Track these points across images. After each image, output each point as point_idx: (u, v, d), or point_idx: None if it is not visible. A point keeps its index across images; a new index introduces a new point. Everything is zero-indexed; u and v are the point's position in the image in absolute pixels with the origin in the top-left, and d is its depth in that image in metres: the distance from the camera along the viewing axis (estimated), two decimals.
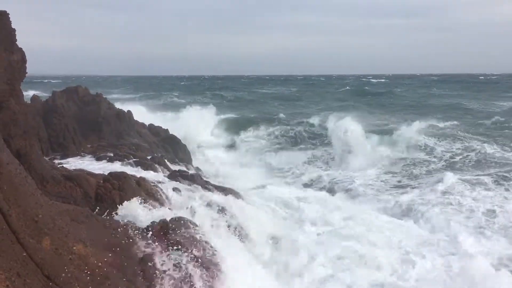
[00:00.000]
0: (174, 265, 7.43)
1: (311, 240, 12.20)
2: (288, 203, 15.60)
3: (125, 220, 8.86)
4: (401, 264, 10.72)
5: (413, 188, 17.72)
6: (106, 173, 11.33)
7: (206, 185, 13.83)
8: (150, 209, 9.80)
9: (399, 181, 18.90)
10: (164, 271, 7.16)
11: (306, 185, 19.58)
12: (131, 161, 15.02)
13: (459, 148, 23.28)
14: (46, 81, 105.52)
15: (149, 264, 7.18)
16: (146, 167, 14.55)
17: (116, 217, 9.25)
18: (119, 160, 14.97)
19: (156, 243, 8.29)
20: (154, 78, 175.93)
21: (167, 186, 12.48)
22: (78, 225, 7.07)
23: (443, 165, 20.77)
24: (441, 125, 30.28)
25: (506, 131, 28.86)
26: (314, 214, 14.25)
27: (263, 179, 20.36)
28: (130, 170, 13.31)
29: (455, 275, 10.08)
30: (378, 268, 10.55)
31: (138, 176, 12.13)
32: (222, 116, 35.99)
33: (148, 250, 7.90)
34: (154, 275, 6.96)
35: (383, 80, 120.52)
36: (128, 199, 9.85)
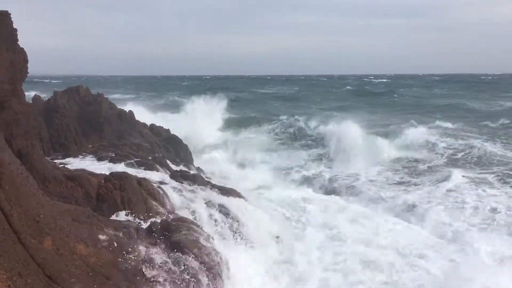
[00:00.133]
0: (175, 265, 7.42)
1: (316, 243, 12.17)
2: (291, 204, 15.58)
3: (127, 221, 8.87)
4: (406, 267, 10.63)
5: (417, 187, 17.54)
6: (107, 173, 11.33)
7: (208, 186, 13.82)
8: None
9: (403, 181, 18.74)
10: (166, 272, 7.15)
11: (309, 186, 19.51)
12: (132, 161, 15.03)
13: (463, 147, 23.17)
14: (46, 81, 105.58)
15: (151, 264, 7.18)
16: (147, 167, 14.55)
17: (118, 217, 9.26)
18: (120, 160, 14.97)
19: (158, 244, 8.30)
20: (154, 78, 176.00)
21: (168, 187, 12.48)
22: (80, 225, 7.07)
23: (447, 164, 20.63)
24: (445, 124, 30.22)
25: (511, 130, 28.89)
26: (318, 216, 14.23)
27: (265, 179, 20.33)
28: (131, 170, 13.31)
29: (459, 277, 10.03)
30: (382, 271, 10.50)
31: (140, 176, 12.13)
32: (224, 116, 36.06)
33: (150, 250, 7.90)
34: (155, 275, 6.96)
35: (384, 80, 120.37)
36: (130, 199, 9.86)
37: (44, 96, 20.60)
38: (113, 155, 15.68)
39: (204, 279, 7.44)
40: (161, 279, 6.88)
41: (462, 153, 22.37)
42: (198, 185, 13.62)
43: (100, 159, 15.15)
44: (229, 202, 12.78)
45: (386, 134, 25.22)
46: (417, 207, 15.11)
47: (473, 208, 14.72)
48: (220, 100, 39.18)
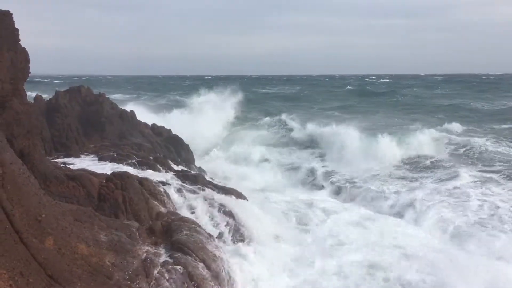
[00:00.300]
0: (176, 265, 7.42)
1: (317, 244, 12.14)
2: (292, 205, 15.55)
3: (128, 220, 8.88)
4: (409, 267, 10.58)
5: (422, 187, 17.37)
6: (109, 173, 11.35)
7: (209, 186, 13.83)
8: None
9: (407, 182, 18.52)
10: (167, 271, 7.14)
11: (311, 187, 19.45)
12: (133, 161, 15.05)
13: (468, 147, 23.16)
14: (47, 80, 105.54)
15: (152, 264, 7.18)
16: (148, 167, 14.57)
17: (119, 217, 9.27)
18: (121, 160, 14.99)
19: (159, 244, 8.30)
20: (155, 78, 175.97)
21: (169, 186, 12.49)
22: (81, 225, 7.08)
23: (453, 164, 20.56)
24: (450, 125, 30.12)
25: None
26: (320, 217, 14.20)
27: (266, 179, 20.32)
28: (133, 170, 13.33)
29: (461, 276, 10.02)
30: (385, 272, 10.47)
31: (141, 176, 12.14)
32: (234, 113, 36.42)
33: (151, 250, 7.90)
34: (157, 275, 6.96)
35: (386, 80, 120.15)
36: (131, 199, 9.87)
37: (46, 96, 20.63)
38: (115, 155, 15.71)
39: (205, 279, 7.43)
40: (162, 279, 6.88)
41: (468, 153, 22.30)
42: (199, 185, 13.63)
43: (101, 159, 15.17)
44: (230, 202, 12.79)
45: (390, 134, 24.97)
46: (422, 207, 15.01)
47: (477, 206, 14.72)
48: (231, 95, 39.15)
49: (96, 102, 18.88)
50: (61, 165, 12.60)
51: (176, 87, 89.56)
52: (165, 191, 11.54)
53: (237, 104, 39.55)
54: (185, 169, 16.69)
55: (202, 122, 30.87)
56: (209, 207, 11.98)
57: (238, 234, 11.49)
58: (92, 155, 15.89)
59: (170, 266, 7.28)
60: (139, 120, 20.50)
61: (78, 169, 12.27)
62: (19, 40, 9.64)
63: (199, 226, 9.64)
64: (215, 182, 15.24)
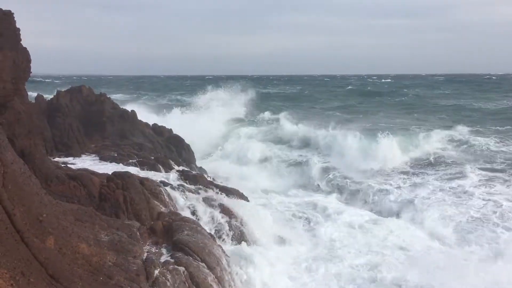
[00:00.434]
0: (177, 265, 7.42)
1: (319, 245, 12.12)
2: (294, 205, 15.53)
3: (129, 220, 8.88)
4: (413, 273, 10.53)
5: (425, 187, 17.28)
6: (110, 173, 11.35)
7: (210, 186, 13.83)
8: None
9: (410, 182, 18.29)
10: (168, 271, 7.14)
11: (314, 188, 19.35)
12: (134, 160, 15.05)
13: (472, 147, 23.10)
14: (48, 80, 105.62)
15: (153, 264, 7.18)
16: (149, 167, 14.57)
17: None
18: (122, 160, 15.00)
19: (160, 243, 8.30)
20: (156, 77, 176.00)
21: (170, 186, 12.49)
22: (82, 225, 7.08)
23: (456, 164, 20.43)
24: (453, 125, 30.00)
25: None
26: (322, 218, 14.17)
27: (267, 180, 20.29)
28: (134, 170, 13.33)
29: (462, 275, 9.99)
30: (388, 276, 10.45)
31: (142, 176, 12.14)
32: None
33: (152, 250, 7.91)
34: (158, 275, 6.95)
35: (388, 80, 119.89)
36: (132, 199, 9.87)
37: (46, 96, 20.63)
38: (116, 154, 15.72)
39: (206, 279, 7.43)
40: (163, 279, 6.87)
41: (473, 153, 22.20)
42: (200, 185, 13.63)
43: (102, 158, 15.18)
44: (231, 202, 12.79)
45: (394, 135, 24.76)
46: (425, 207, 14.90)
47: (481, 205, 14.69)
48: (237, 94, 38.92)
49: (97, 102, 18.89)
50: (62, 165, 12.60)
51: (178, 87, 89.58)
52: (166, 191, 11.54)
53: (244, 104, 39.27)
54: (186, 169, 16.68)
55: (206, 121, 30.75)
56: (210, 207, 11.97)
57: (239, 235, 11.49)
58: (93, 155, 15.89)
59: (171, 266, 7.28)
60: (140, 120, 20.50)
61: (79, 169, 12.27)
62: (21, 40, 9.64)
63: (200, 226, 9.64)
64: (216, 182, 15.24)
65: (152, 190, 10.84)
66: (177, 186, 12.76)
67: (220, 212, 11.87)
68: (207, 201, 12.22)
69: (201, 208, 11.83)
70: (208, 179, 15.49)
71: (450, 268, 10.41)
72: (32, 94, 19.52)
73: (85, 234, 6.78)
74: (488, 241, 12.19)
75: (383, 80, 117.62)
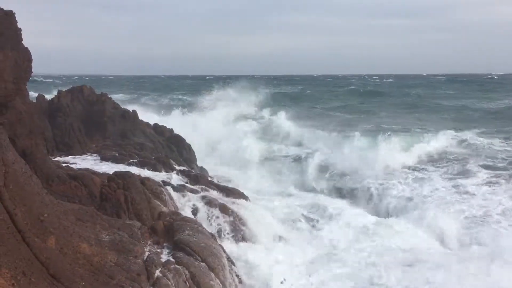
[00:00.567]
0: (178, 265, 7.43)
1: (320, 246, 12.09)
2: (297, 207, 15.48)
3: (130, 220, 8.88)
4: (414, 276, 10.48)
5: (430, 188, 17.05)
6: (111, 173, 11.36)
7: (211, 185, 13.83)
8: None
9: (414, 183, 17.89)
10: (169, 271, 7.15)
11: (317, 189, 19.25)
12: (135, 160, 15.05)
13: (477, 147, 22.99)
14: (49, 80, 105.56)
15: (154, 264, 7.18)
16: (150, 167, 14.56)
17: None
18: (123, 160, 15.00)
19: (161, 243, 8.31)
20: (157, 77, 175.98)
21: (171, 186, 12.49)
22: (83, 224, 7.09)
23: (460, 165, 20.28)
24: (457, 125, 29.86)
25: None
26: (324, 218, 14.13)
27: (268, 180, 20.27)
28: (135, 170, 13.33)
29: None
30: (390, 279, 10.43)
31: (143, 175, 12.15)
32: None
33: (153, 249, 7.91)
34: (159, 275, 6.96)
35: (390, 80, 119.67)
36: (133, 199, 9.87)
37: (47, 96, 20.63)
38: (117, 154, 15.71)
39: (207, 279, 7.43)
40: (164, 279, 6.88)
41: (478, 153, 22.04)
42: (201, 185, 13.63)
43: (103, 158, 15.18)
44: (232, 202, 12.79)
45: (397, 136, 24.50)
46: (429, 208, 14.71)
47: (486, 205, 14.63)
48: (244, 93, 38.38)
49: (98, 101, 18.89)
50: (63, 165, 12.61)
51: (179, 87, 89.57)
52: (167, 191, 11.55)
53: (249, 103, 38.88)
54: (187, 169, 16.69)
55: (209, 121, 30.54)
56: (211, 207, 11.98)
57: (240, 235, 11.50)
58: (94, 155, 15.89)
59: (172, 266, 7.28)
60: (141, 120, 20.50)
61: (80, 169, 12.28)
62: (22, 39, 9.65)
63: (201, 226, 9.64)
64: (217, 182, 15.24)
65: (153, 190, 10.85)
66: (178, 186, 12.76)
67: (220, 212, 11.88)
68: (208, 200, 12.22)
69: (202, 208, 11.84)
70: (209, 179, 15.49)
71: (451, 269, 10.37)
72: (33, 95, 19.53)
73: (86, 234, 6.79)
74: (490, 241, 12.12)
75: (384, 80, 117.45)
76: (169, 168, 15.08)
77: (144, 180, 11.04)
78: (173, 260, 7.53)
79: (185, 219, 9.45)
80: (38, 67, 10.79)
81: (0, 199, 5.49)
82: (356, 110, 43.54)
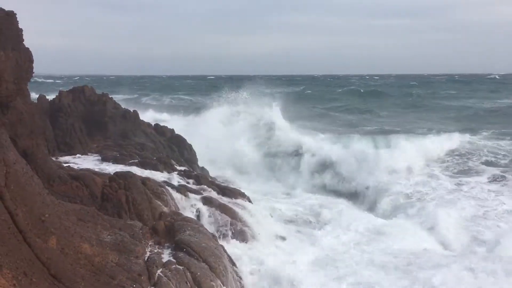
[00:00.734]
0: (179, 265, 7.42)
1: (321, 246, 12.07)
2: (298, 207, 15.47)
3: (131, 220, 8.88)
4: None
5: (435, 189, 16.88)
6: (112, 173, 11.36)
7: (212, 186, 13.82)
8: None
9: (420, 185, 17.52)
10: (170, 271, 7.14)
11: (318, 189, 19.21)
12: (136, 160, 15.05)
13: (481, 147, 22.92)
14: (50, 81, 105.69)
15: (155, 264, 7.18)
16: (151, 167, 14.56)
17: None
18: (124, 160, 14.99)
19: (162, 243, 8.30)
20: (158, 77, 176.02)
21: (172, 186, 12.49)
22: (85, 225, 7.09)
23: (466, 166, 20.19)
24: (460, 125, 29.71)
25: None
26: (325, 219, 14.11)
27: (269, 180, 20.29)
28: (136, 170, 13.33)
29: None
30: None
31: (144, 176, 12.15)
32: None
33: (154, 250, 7.91)
34: (160, 275, 6.96)
35: (391, 80, 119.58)
36: (134, 199, 9.87)
37: (48, 97, 20.65)
38: (118, 154, 15.71)
39: (208, 279, 7.42)
40: (165, 279, 6.87)
41: (484, 154, 21.90)
42: (202, 185, 13.63)
43: (104, 158, 15.18)
44: (233, 202, 12.79)
45: (400, 135, 24.28)
46: (434, 210, 14.62)
47: (494, 206, 14.59)
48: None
49: (99, 102, 18.90)
50: (65, 165, 12.62)
51: (180, 87, 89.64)
52: (168, 191, 11.54)
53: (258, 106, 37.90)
54: (188, 169, 16.68)
55: (211, 123, 30.30)
56: (212, 207, 11.98)
57: (241, 235, 11.49)
58: (95, 155, 15.90)
59: (173, 266, 7.28)
60: (142, 120, 20.51)
61: (81, 169, 12.29)
62: (23, 40, 9.66)
63: (202, 226, 9.64)
64: (218, 182, 15.23)
65: (154, 190, 10.84)
66: (179, 186, 12.76)
67: (221, 212, 11.87)
68: (209, 201, 12.22)
69: (203, 208, 11.84)
70: (210, 179, 15.48)
71: (453, 270, 10.32)
72: (34, 96, 19.53)
73: (87, 234, 6.79)
74: (492, 241, 12.08)
75: (385, 80, 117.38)
76: (170, 169, 15.07)
77: (145, 180, 11.04)
78: (174, 260, 7.52)
79: (186, 219, 9.45)
80: (39, 68, 10.80)
81: (1, 199, 5.50)
82: (357, 110, 43.53)
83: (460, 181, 17.73)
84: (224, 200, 12.77)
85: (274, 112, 32.37)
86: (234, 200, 13.03)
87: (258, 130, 30.95)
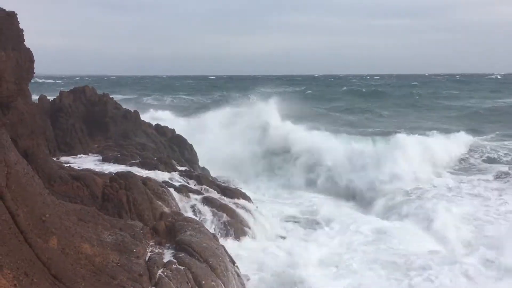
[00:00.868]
0: (180, 265, 7.42)
1: (322, 246, 12.04)
2: (299, 207, 15.44)
3: (132, 220, 8.88)
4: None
5: (438, 190, 16.72)
6: (112, 173, 11.36)
7: (212, 186, 13.82)
8: None
9: (418, 186, 17.60)
10: (171, 272, 7.14)
11: (320, 190, 19.16)
12: (137, 161, 15.06)
13: (484, 147, 22.84)
14: (50, 81, 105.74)
15: (156, 264, 7.17)
16: (152, 167, 14.56)
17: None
18: (125, 160, 15.00)
19: (163, 244, 8.30)
20: (158, 77, 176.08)
21: (173, 186, 12.49)
22: (85, 225, 7.09)
23: (467, 166, 20.10)
24: (463, 125, 29.58)
25: None
26: (327, 219, 14.07)
27: (270, 180, 20.28)
28: (137, 170, 13.34)
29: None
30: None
31: (145, 176, 12.16)
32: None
33: (155, 250, 7.90)
34: (161, 275, 6.95)
35: (392, 80, 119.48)
36: (135, 199, 9.87)
37: (49, 98, 20.66)
38: (119, 155, 15.72)
39: (209, 279, 7.42)
40: (166, 279, 6.87)
41: (489, 155, 21.80)
42: (203, 185, 13.63)
43: (105, 159, 15.19)
44: (233, 202, 12.79)
45: (403, 134, 24.12)
46: (437, 211, 14.35)
47: (494, 209, 14.51)
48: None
49: (100, 102, 18.91)
50: (65, 165, 12.63)
51: (182, 87, 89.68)
52: (168, 191, 11.54)
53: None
54: (189, 169, 16.69)
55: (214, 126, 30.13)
56: (213, 207, 11.98)
57: (242, 235, 11.49)
58: (96, 155, 15.91)
59: (174, 266, 7.27)
60: (143, 120, 20.52)
61: (82, 169, 12.29)
62: (24, 40, 9.67)
63: (203, 226, 9.63)
64: (219, 183, 15.23)
65: (155, 190, 10.85)
66: (179, 186, 12.76)
67: (222, 212, 11.88)
68: (210, 201, 12.23)
69: (204, 208, 11.84)
70: (211, 179, 15.47)
71: (454, 271, 10.29)
72: (34, 96, 19.52)
73: (88, 234, 6.78)
74: (494, 242, 12.01)
75: (386, 80, 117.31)
76: (170, 169, 15.08)
77: (146, 181, 11.05)
78: (175, 260, 7.52)
79: (187, 220, 9.44)
80: (39, 68, 10.81)
81: (2, 199, 5.50)
82: (358, 111, 43.48)
83: (462, 179, 17.68)
84: (225, 200, 12.77)
85: (274, 112, 32.33)
86: (234, 200, 13.03)
87: (258, 130, 30.94)
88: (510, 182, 17.13)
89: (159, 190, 10.97)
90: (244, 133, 29.09)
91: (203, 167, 19.42)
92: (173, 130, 21.40)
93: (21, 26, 9.53)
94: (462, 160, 21.06)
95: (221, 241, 10.26)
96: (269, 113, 31.72)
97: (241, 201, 13.19)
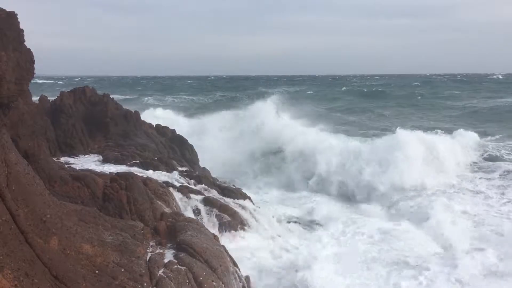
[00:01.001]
0: (181, 265, 7.41)
1: (323, 246, 12.01)
2: (300, 208, 15.41)
3: (133, 221, 8.87)
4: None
5: (436, 190, 16.67)
6: (113, 173, 11.36)
7: (213, 186, 13.82)
8: None
9: (419, 186, 17.31)
10: (171, 271, 7.13)
11: (321, 190, 19.07)
12: (138, 161, 15.05)
13: (488, 148, 22.68)
14: (51, 81, 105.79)
15: (156, 264, 7.17)
16: (152, 168, 14.56)
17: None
18: (126, 161, 15.00)
19: (164, 244, 8.30)
20: (158, 78, 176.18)
21: (174, 187, 12.49)
22: (86, 225, 7.08)
23: (470, 167, 19.95)
24: (465, 125, 29.43)
25: None
26: (327, 219, 14.03)
27: (271, 180, 20.24)
28: (137, 170, 13.34)
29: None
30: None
31: (145, 176, 12.15)
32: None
33: (156, 250, 7.90)
34: (161, 275, 6.95)
35: (393, 80, 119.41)
36: (135, 199, 9.87)
37: (50, 99, 20.68)
38: (119, 155, 15.71)
39: (209, 279, 7.41)
40: (166, 279, 6.86)
41: (493, 156, 21.61)
42: (204, 185, 13.63)
43: (106, 159, 15.18)
44: (235, 202, 12.78)
45: (405, 132, 23.96)
46: (439, 212, 14.21)
47: (497, 211, 14.40)
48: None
49: (100, 102, 18.90)
50: (66, 166, 12.63)
51: (182, 87, 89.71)
52: (169, 192, 11.54)
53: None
54: (189, 169, 16.68)
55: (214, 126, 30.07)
56: (213, 207, 11.97)
57: (243, 235, 11.49)
58: (97, 156, 15.91)
59: (174, 267, 7.27)
60: (143, 120, 20.51)
61: (82, 170, 12.29)
62: (24, 40, 9.68)
63: (203, 226, 9.63)
64: (219, 183, 15.22)
65: (156, 190, 10.84)
66: (180, 187, 12.75)
67: (222, 212, 11.87)
68: (210, 201, 12.21)
69: (204, 208, 11.83)
70: (211, 179, 15.47)
71: (455, 272, 10.27)
72: (35, 97, 19.54)
73: (88, 234, 6.78)
74: (495, 242, 11.97)
75: (387, 80, 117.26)
76: (171, 169, 15.07)
77: (146, 181, 11.04)
78: (176, 260, 7.52)
79: (188, 220, 9.44)
80: (40, 68, 10.81)
81: (2, 200, 5.49)
82: (359, 110, 43.42)
83: (464, 178, 17.57)
84: (225, 200, 12.76)
85: (273, 113, 32.26)
86: (235, 200, 13.02)
87: (258, 130, 30.91)
88: (510, 182, 17.03)
89: (159, 191, 10.96)
90: (244, 134, 29.10)
91: (204, 168, 19.41)
92: (173, 130, 21.40)
93: (21, 26, 9.53)
94: (464, 158, 20.94)
95: (222, 241, 10.26)
96: (268, 113, 31.70)
97: (242, 201, 13.18)
